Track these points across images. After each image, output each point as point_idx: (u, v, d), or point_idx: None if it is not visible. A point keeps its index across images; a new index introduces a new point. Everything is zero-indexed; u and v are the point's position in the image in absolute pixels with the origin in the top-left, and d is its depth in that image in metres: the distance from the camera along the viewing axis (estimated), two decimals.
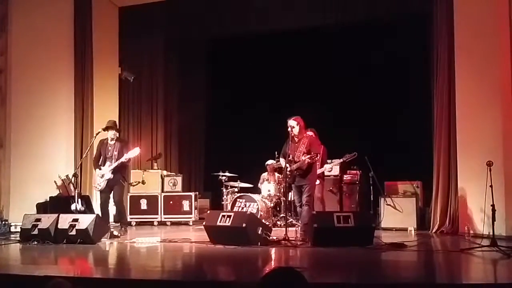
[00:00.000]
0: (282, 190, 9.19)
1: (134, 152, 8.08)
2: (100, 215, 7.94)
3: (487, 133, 7.50)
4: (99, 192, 8.19)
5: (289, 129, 7.23)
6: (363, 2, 10.17)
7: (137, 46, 11.88)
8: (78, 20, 9.73)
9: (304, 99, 10.84)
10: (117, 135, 8.26)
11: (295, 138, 7.26)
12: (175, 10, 11.18)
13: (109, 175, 8.01)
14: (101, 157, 8.18)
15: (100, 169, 8.12)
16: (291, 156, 7.21)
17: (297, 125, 7.22)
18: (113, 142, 8.17)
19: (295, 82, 11.40)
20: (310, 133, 8.15)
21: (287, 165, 7.23)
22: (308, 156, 7.02)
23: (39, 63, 9.50)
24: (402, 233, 8.29)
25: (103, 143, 8.24)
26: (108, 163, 8.07)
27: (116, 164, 7.97)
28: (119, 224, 8.33)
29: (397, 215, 8.71)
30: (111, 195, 8.12)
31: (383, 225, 8.76)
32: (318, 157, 7.20)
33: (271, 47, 11.51)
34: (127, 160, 8.05)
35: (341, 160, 8.48)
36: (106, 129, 8.16)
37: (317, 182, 8.16)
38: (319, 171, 8.15)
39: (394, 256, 6.11)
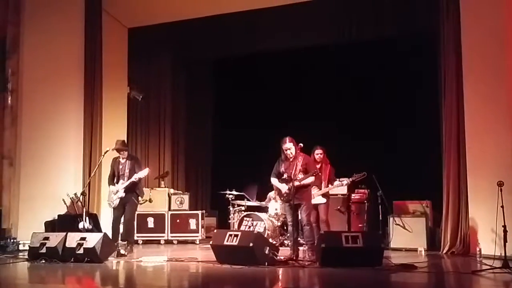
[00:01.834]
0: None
1: (143, 173, 8.15)
2: (111, 231, 7.98)
3: (497, 153, 7.43)
4: (112, 208, 8.23)
5: (287, 152, 7.22)
6: (370, 20, 10.20)
7: (146, 66, 12.01)
8: (88, 41, 9.81)
9: (310, 117, 10.86)
10: (126, 154, 8.31)
11: (290, 158, 7.26)
12: (183, 31, 11.29)
13: (122, 193, 8.07)
14: (115, 175, 8.25)
15: (114, 185, 8.18)
16: (286, 175, 7.19)
17: (293, 145, 7.23)
18: (124, 160, 8.24)
19: (302, 100, 11.43)
20: (319, 151, 8.17)
21: (282, 185, 7.23)
22: (311, 173, 7.07)
23: (49, 83, 9.59)
24: (411, 253, 8.19)
25: (116, 161, 8.32)
26: (121, 180, 8.14)
27: (127, 183, 8.03)
28: (125, 242, 8.31)
29: (406, 235, 8.60)
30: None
31: (392, 245, 8.65)
32: (319, 174, 7.17)
33: (278, 66, 11.59)
34: (137, 179, 8.09)
35: (350, 179, 8.43)
36: (118, 151, 8.22)
37: (324, 201, 8.14)
38: (325, 189, 8.13)
39: (404, 277, 6.03)
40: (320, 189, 8.10)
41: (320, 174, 7.76)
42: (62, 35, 9.70)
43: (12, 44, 9.47)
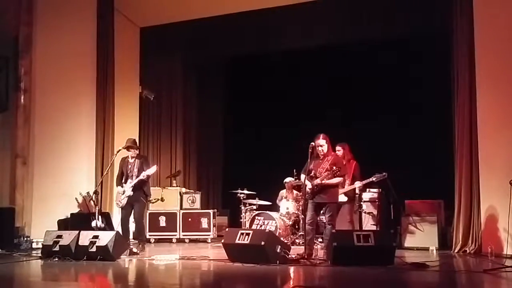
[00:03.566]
0: (301, 207, 9.14)
1: (151, 170, 8.18)
2: (121, 231, 8.02)
3: (509, 152, 7.37)
4: (120, 208, 8.29)
5: (318, 149, 7.11)
6: (382, 19, 10.16)
7: (158, 65, 12.05)
8: (101, 40, 9.87)
9: (321, 117, 10.84)
10: (137, 153, 8.37)
11: (320, 155, 7.18)
12: (195, 31, 11.31)
13: (129, 192, 8.11)
14: (123, 175, 8.30)
15: (122, 186, 8.23)
16: (312, 173, 7.09)
17: (326, 143, 7.15)
18: (133, 159, 8.28)
19: (313, 100, 11.41)
20: (338, 148, 8.12)
21: (307, 182, 7.11)
22: (329, 171, 6.96)
23: (62, 82, 9.67)
24: (423, 252, 8.17)
25: (125, 160, 8.37)
26: (129, 180, 8.18)
27: (135, 181, 8.07)
28: (137, 241, 8.38)
29: (418, 235, 8.60)
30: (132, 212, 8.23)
31: (404, 244, 8.65)
32: (339, 173, 7.14)
33: (289, 66, 11.60)
34: (146, 177, 8.13)
35: (370, 179, 8.37)
36: (127, 148, 8.28)
37: (345, 199, 8.10)
38: (349, 187, 8.10)
39: (415, 276, 6.02)
40: (343, 187, 8.07)
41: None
42: (74, 34, 9.77)
43: (24, 44, 9.55)
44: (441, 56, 9.11)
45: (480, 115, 7.92)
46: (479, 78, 7.96)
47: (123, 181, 8.28)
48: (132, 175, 8.18)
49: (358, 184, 8.32)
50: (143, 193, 8.25)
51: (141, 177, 8.05)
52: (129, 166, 8.27)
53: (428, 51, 9.88)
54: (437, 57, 9.38)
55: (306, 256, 6.91)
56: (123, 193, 8.15)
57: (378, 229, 8.89)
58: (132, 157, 8.30)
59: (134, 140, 8.63)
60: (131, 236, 8.58)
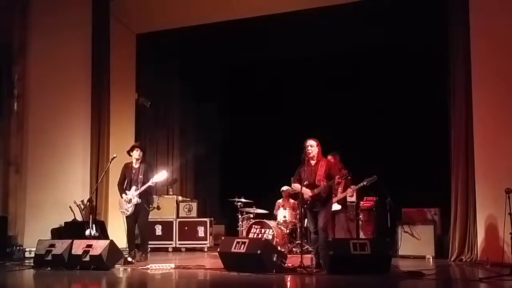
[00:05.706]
0: (298, 216, 9.08)
1: (160, 176, 8.04)
2: (127, 241, 8.03)
3: (505, 160, 7.37)
4: (125, 217, 8.12)
5: (307, 149, 7.00)
6: (380, 30, 10.16)
7: (154, 72, 11.99)
8: (96, 47, 9.83)
9: (319, 125, 10.80)
10: (141, 155, 8.20)
11: (312, 161, 7.09)
12: (192, 37, 11.28)
13: (137, 200, 7.98)
14: (126, 181, 8.16)
15: (125, 193, 8.10)
16: (307, 181, 6.98)
17: (316, 146, 7.05)
18: (137, 165, 8.16)
19: (310, 108, 11.40)
20: (329, 157, 8.05)
21: (304, 190, 7.00)
22: (336, 177, 6.90)
23: (56, 89, 9.60)
24: (419, 261, 8.13)
25: (128, 166, 8.23)
26: (134, 187, 8.03)
27: (143, 188, 7.94)
28: (140, 250, 8.22)
29: (414, 243, 8.57)
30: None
31: (400, 252, 8.61)
32: (346, 177, 7.16)
33: (287, 73, 11.59)
34: (154, 184, 8.03)
35: (361, 184, 8.32)
36: (131, 149, 8.17)
37: (339, 207, 8.04)
38: (341, 195, 8.06)
39: (411, 285, 6.00)
40: (336, 195, 8.02)
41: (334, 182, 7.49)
42: (69, 40, 9.69)
43: (18, 50, 9.49)
44: (438, 65, 9.11)
45: (476, 123, 7.93)
46: (475, 87, 7.98)
47: (125, 187, 8.12)
48: (136, 182, 8.02)
49: (350, 191, 8.24)
50: (146, 201, 8.13)
51: (149, 183, 7.91)
52: (134, 171, 8.12)
53: (425, 60, 9.88)
54: (434, 66, 9.38)
55: (303, 265, 6.80)
56: (130, 202, 8.00)
57: (374, 237, 8.85)
58: (137, 161, 8.16)
59: (140, 144, 8.51)
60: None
